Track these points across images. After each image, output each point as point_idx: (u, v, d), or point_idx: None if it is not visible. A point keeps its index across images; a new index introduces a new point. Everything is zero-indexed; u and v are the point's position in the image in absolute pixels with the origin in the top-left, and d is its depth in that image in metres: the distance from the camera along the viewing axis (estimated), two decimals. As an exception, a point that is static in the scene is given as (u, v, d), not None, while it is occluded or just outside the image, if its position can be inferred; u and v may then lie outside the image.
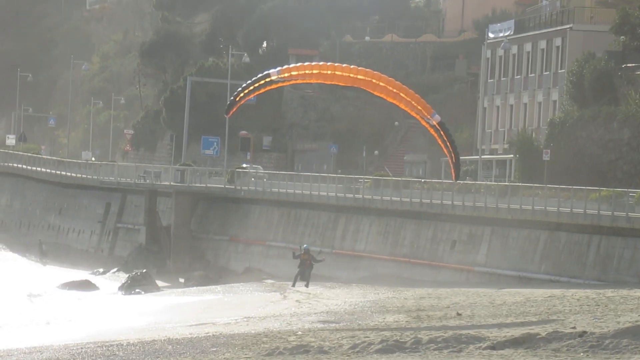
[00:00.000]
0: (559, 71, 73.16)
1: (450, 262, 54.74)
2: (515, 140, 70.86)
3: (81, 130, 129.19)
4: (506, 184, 57.83)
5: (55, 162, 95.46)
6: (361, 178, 64.96)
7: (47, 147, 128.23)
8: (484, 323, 30.85)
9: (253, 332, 31.46)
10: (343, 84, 34.56)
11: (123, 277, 65.27)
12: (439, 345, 25.47)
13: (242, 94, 34.28)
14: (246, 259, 69.83)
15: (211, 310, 42.95)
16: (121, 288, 59.82)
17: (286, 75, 32.99)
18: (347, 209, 62.50)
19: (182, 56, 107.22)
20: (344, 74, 33.20)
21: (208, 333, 31.92)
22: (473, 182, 58.76)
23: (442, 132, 33.84)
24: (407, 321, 32.63)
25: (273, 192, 68.71)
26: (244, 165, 79.50)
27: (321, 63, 34.35)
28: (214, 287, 56.98)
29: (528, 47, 76.66)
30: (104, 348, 28.92)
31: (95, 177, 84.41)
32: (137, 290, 58.48)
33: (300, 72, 32.57)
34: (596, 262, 47.41)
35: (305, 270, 46.18)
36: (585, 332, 25.93)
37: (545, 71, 74.94)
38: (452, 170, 35.08)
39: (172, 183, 75.71)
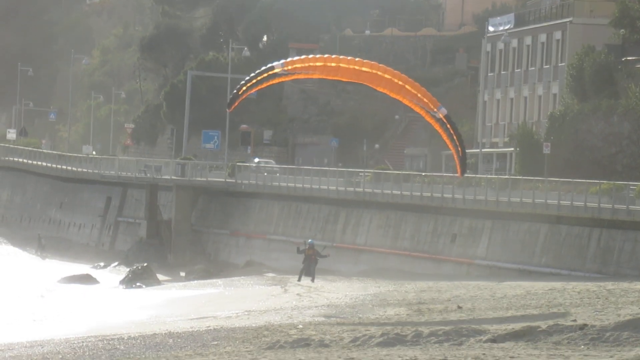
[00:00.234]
0: (559, 65, 73.13)
1: (451, 256, 54.78)
2: (515, 133, 70.87)
3: (82, 125, 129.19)
4: (507, 177, 57.86)
5: (56, 156, 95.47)
6: (362, 172, 64.98)
7: (48, 141, 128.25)
8: (484, 316, 30.89)
9: (254, 325, 31.50)
10: (346, 80, 33.80)
11: (124, 271, 65.31)
12: (440, 338, 25.51)
13: (244, 87, 33.26)
14: (247, 253, 69.86)
15: (212, 303, 43.00)
16: (122, 282, 59.86)
17: (290, 67, 31.89)
18: (347, 203, 62.52)
19: (183, 50, 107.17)
20: (349, 66, 32.33)
21: (209, 326, 31.96)
22: (473, 176, 58.78)
23: (448, 126, 33.13)
24: (407, 314, 32.67)
25: (274, 186, 68.73)
26: (256, 160, 79.22)
27: (326, 55, 33.52)
28: (214, 280, 57.04)
29: (528, 40, 76.63)
30: (105, 342, 28.96)
31: (96, 171, 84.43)
32: (138, 284, 58.52)
33: (305, 65, 32.00)
34: (597, 255, 47.44)
35: (310, 265, 46.07)
36: (585, 324, 25.97)
37: (546, 65, 74.92)
38: (458, 165, 34.17)
39: (172, 177, 75.73)
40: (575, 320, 27.62)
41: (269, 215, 69.15)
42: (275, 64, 32.31)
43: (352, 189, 62.42)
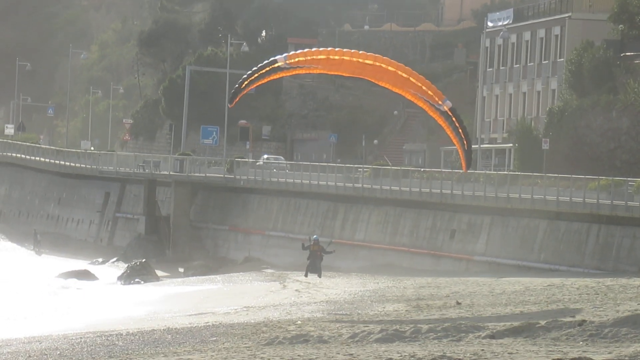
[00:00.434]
0: (558, 60, 73.08)
1: (450, 252, 54.76)
2: (514, 129, 70.83)
3: (80, 120, 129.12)
4: (505, 173, 57.82)
5: (54, 151, 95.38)
6: (360, 167, 64.96)
7: (46, 136, 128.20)
8: (483, 312, 30.86)
9: (253, 321, 31.47)
10: (349, 74, 33.08)
11: (122, 266, 65.26)
12: (439, 334, 25.49)
13: (247, 82, 31.68)
14: (246, 249, 69.84)
15: (210, 299, 42.97)
16: (120, 278, 59.82)
17: (294, 61, 31.00)
18: (346, 199, 62.48)
19: (181, 45, 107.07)
20: (353, 59, 31.64)
21: (207, 322, 31.94)
22: (472, 172, 58.75)
23: (453, 119, 32.30)
24: (406, 310, 32.65)
25: (272, 181, 68.69)
26: (265, 156, 78.94)
27: (329, 48, 32.75)
28: (213, 276, 57.00)
29: (527, 35, 76.58)
30: (103, 338, 28.94)
31: (94, 166, 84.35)
32: (136, 280, 58.48)
33: (308, 58, 31.15)
34: (595, 251, 47.43)
35: (316, 261, 45.87)
36: (584, 320, 25.95)
37: (544, 60, 74.86)
38: (463, 160, 33.23)
39: (171, 172, 75.68)
40: (574, 316, 27.59)
41: (268, 211, 69.12)
42: (277, 57, 31.51)
43: (350, 184, 62.37)
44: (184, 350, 25.04)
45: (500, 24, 78.48)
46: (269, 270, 58.59)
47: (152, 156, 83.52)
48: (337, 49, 32.55)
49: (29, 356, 25.83)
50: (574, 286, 38.18)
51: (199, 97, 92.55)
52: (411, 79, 32.32)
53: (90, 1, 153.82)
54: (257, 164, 73.32)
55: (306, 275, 46.29)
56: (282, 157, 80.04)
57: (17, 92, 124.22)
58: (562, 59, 71.66)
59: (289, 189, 67.07)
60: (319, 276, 45.87)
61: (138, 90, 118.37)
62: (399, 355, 22.44)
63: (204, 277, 57.75)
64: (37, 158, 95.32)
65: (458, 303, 33.91)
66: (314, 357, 22.52)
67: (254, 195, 70.79)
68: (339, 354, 23.04)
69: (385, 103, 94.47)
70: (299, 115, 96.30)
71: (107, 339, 28.47)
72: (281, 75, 32.47)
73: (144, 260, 63.23)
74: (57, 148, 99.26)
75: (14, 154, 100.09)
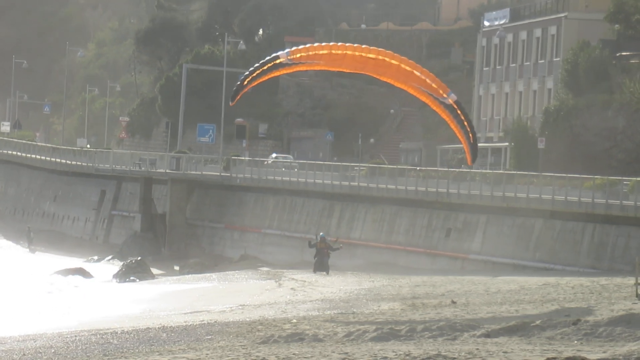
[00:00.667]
0: (554, 59, 73.13)
1: (446, 250, 54.78)
2: (510, 128, 70.87)
3: (76, 118, 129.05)
4: (501, 172, 57.86)
5: (50, 149, 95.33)
6: (357, 166, 64.96)
7: (42, 134, 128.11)
8: (478, 311, 30.89)
9: (248, 320, 31.48)
10: (351, 70, 32.51)
11: (118, 264, 65.23)
12: (434, 332, 25.52)
13: (249, 79, 30.86)
14: (241, 247, 69.84)
15: (206, 297, 42.96)
16: (116, 276, 59.78)
17: (296, 56, 30.28)
18: (342, 197, 62.50)
19: (178, 43, 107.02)
20: (356, 53, 31.05)
21: (203, 321, 31.93)
22: (468, 170, 58.80)
23: (458, 112, 31.73)
24: (402, 309, 32.66)
25: (268, 179, 68.68)
26: (274, 155, 78.63)
27: (331, 43, 32.23)
28: (209, 274, 56.98)
29: (523, 35, 76.62)
30: (98, 336, 28.93)
31: (90, 164, 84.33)
32: (131, 278, 58.45)
33: (310, 53, 30.42)
34: (590, 250, 47.48)
35: (323, 258, 45.72)
36: (579, 320, 25.99)
37: (541, 59, 74.91)
38: (468, 152, 32.33)
39: (167, 170, 75.66)
40: (568, 315, 27.63)
41: (264, 209, 69.13)
42: (280, 53, 30.85)
43: (347, 183, 62.40)
44: (179, 349, 25.04)
45: (496, 23, 78.52)
46: (265, 269, 58.60)
47: (148, 154, 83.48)
48: (339, 44, 31.99)
49: (24, 354, 25.82)
50: (569, 285, 38.23)
51: (195, 95, 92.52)
52: (415, 72, 31.75)
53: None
54: (266, 162, 72.85)
55: (315, 273, 46.13)
56: (291, 157, 79.55)
57: (14, 89, 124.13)
58: (559, 59, 71.71)
59: (285, 187, 67.08)
60: (327, 273, 45.74)
61: (135, 88, 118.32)
62: (394, 354, 22.46)
63: (199, 275, 57.74)
64: (33, 155, 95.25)
65: (453, 302, 33.94)
66: (309, 355, 22.54)
67: (250, 194, 70.78)
68: (334, 352, 23.05)
69: (382, 101, 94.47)
70: (296, 113, 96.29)
71: (102, 337, 28.46)
72: (283, 71, 31.80)
73: (139, 258, 63.21)
74: (53, 145, 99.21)
75: (10, 152, 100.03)
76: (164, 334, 28.48)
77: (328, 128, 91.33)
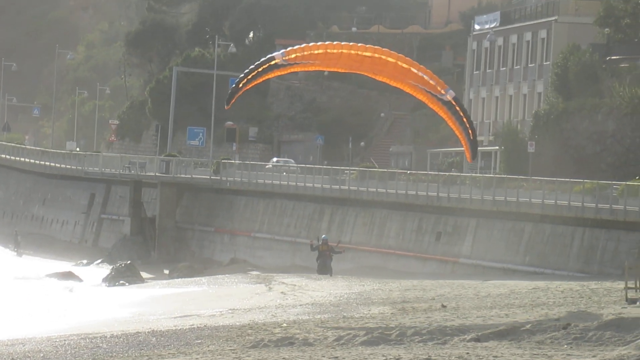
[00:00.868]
0: (544, 63, 73.23)
1: (436, 254, 54.79)
2: (500, 132, 70.93)
3: (65, 120, 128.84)
4: (491, 175, 57.90)
5: (39, 152, 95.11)
6: (347, 169, 64.92)
7: (31, 137, 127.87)
8: (468, 315, 30.87)
9: (238, 324, 31.41)
10: (347, 70, 32.02)
11: (107, 268, 65.07)
12: (424, 337, 25.49)
13: (244, 81, 30.24)
14: (231, 250, 69.76)
15: (196, 301, 42.88)
16: (105, 279, 59.64)
17: (291, 57, 29.75)
18: (332, 201, 62.47)
19: (168, 46, 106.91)
20: (352, 52, 30.59)
21: (192, 325, 31.85)
22: (458, 174, 58.81)
23: (457, 108, 31.11)
24: (392, 313, 32.63)
25: (258, 183, 68.63)
26: (275, 159, 78.15)
27: (327, 42, 31.82)
28: (198, 278, 56.86)
29: (514, 38, 76.72)
30: (87, 340, 28.83)
31: (80, 167, 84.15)
32: (121, 281, 58.31)
33: (306, 53, 29.96)
34: (580, 254, 47.52)
35: (326, 261, 45.35)
36: (569, 324, 25.99)
37: (531, 63, 75.01)
38: (467, 149, 31.07)
39: (157, 174, 75.53)
40: (558, 320, 27.63)
41: (254, 213, 69.06)
42: (275, 54, 30.34)
43: (337, 186, 62.36)
44: (169, 353, 24.98)
45: (487, 26, 78.63)
46: (255, 272, 58.51)
47: (138, 157, 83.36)
48: (335, 43, 31.56)
49: (12, 359, 25.71)
50: (558, 289, 38.24)
51: (185, 98, 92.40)
52: (412, 69, 30.82)
53: (77, 2, 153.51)
54: (267, 167, 72.38)
55: (318, 275, 45.79)
56: (292, 160, 78.99)
57: (3, 92, 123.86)
58: (549, 62, 71.82)
59: (275, 190, 67.02)
60: (330, 276, 45.45)
61: (124, 91, 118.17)
62: (384, 358, 22.44)
63: (189, 279, 57.61)
64: (22, 159, 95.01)
65: (443, 306, 33.92)
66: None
67: (240, 197, 70.71)
68: (324, 356, 23.02)
69: (372, 105, 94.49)
70: (286, 116, 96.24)
71: (91, 342, 28.37)
72: (279, 73, 31.20)
73: (129, 261, 63.06)
74: (42, 149, 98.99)
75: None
76: (154, 338, 28.39)
77: (318, 131, 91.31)
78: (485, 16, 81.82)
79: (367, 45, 31.64)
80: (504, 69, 77.52)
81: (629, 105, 61.68)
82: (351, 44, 31.75)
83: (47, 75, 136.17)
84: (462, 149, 76.80)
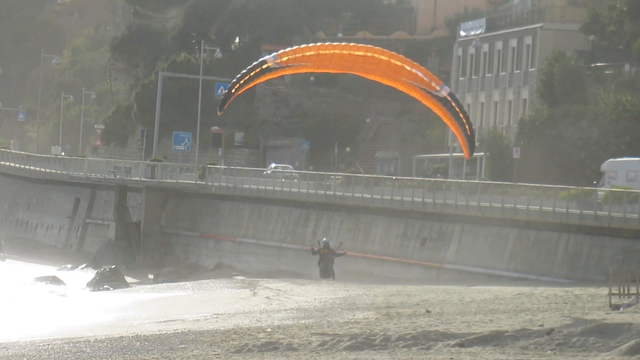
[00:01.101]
0: (530, 70, 73.44)
1: (421, 260, 54.84)
2: (485, 138, 71.09)
3: (51, 125, 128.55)
4: (476, 181, 58.01)
5: (24, 156, 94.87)
6: (332, 175, 64.93)
7: (16, 141, 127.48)
8: (453, 320, 30.90)
9: (222, 328, 31.38)
10: (339, 70, 31.69)
11: (92, 273, 64.92)
12: (408, 342, 25.51)
13: (237, 86, 29.88)
14: (216, 255, 69.68)
15: (180, 306, 42.81)
16: (89, 284, 59.50)
17: (283, 59, 29.45)
18: (318, 206, 62.48)
19: (154, 51, 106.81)
20: (344, 52, 30.27)
21: (177, 330, 31.81)
22: (443, 180, 58.91)
23: (453, 104, 30.61)
24: (376, 318, 32.64)
25: (244, 188, 68.58)
26: (273, 165, 77.73)
27: (319, 44, 31.55)
28: (183, 283, 56.78)
29: (499, 45, 76.93)
30: (71, 344, 28.76)
31: (65, 172, 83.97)
32: (105, 286, 58.17)
33: (297, 55, 29.56)
34: (564, 260, 47.64)
35: (328, 264, 44.96)
36: (553, 329, 26.04)
37: (516, 70, 75.22)
38: (465, 145, 30.34)
39: (142, 179, 75.43)
40: (542, 325, 27.68)
41: (239, 218, 69.01)
42: (267, 58, 30.07)
43: (322, 192, 62.38)
44: (153, 358, 24.93)
45: (472, 33, 78.82)
46: (240, 277, 58.45)
47: (123, 162, 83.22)
48: (327, 44, 31.26)
49: (-4, 363, 25.63)
50: (543, 295, 38.32)
51: (171, 103, 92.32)
52: (405, 66, 30.31)
53: (63, 6, 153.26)
54: (265, 172, 71.76)
55: (321, 279, 45.46)
56: (290, 166, 78.59)
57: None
58: (534, 69, 72.03)
59: (260, 195, 67.00)
60: (333, 279, 45.11)
61: (110, 96, 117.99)
62: (368, 363, 22.42)
63: (174, 283, 57.52)
64: (7, 163, 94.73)
65: (428, 311, 33.95)
66: (283, 364, 22.48)
67: (225, 202, 70.65)
68: (307, 361, 23.00)
69: (358, 110, 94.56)
70: (272, 122, 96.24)
71: (75, 346, 28.30)
72: (271, 76, 30.88)
73: (113, 266, 62.92)
74: (27, 153, 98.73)
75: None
76: (138, 343, 28.34)
77: (304, 137, 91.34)
78: (470, 22, 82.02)
79: (359, 45, 31.29)
80: (490, 75, 77.71)
81: (613, 112, 61.91)
82: (343, 44, 31.41)
83: (32, 79, 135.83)
84: (447, 155, 77.02)
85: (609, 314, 30.75)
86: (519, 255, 49.87)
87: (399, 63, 30.34)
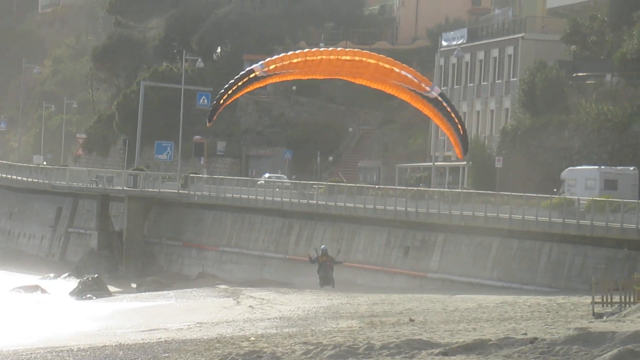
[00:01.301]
0: (511, 79, 73.70)
1: (404, 268, 54.89)
2: (468, 147, 71.12)
3: (33, 134, 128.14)
4: (459, 191, 58.14)
5: (6, 166, 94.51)
6: (315, 184, 64.94)
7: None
8: (436, 329, 30.95)
9: (205, 337, 31.33)
10: (327, 76, 31.60)
11: (74, 282, 64.72)
12: (392, 351, 25.53)
13: (225, 96, 30.16)
14: (199, 264, 69.57)
15: (163, 315, 42.71)
16: (72, 293, 59.31)
17: (271, 67, 29.04)
18: (301, 215, 62.48)
19: (136, 60, 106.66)
20: (331, 57, 30.15)
21: (160, 339, 31.74)
22: (426, 189, 59.02)
23: (444, 104, 30.59)
24: (360, 327, 32.65)
25: (227, 197, 68.52)
26: (267, 175, 77.37)
27: (306, 50, 31.59)
28: (166, 292, 56.68)
29: (481, 55, 77.18)
30: (54, 354, 28.66)
31: (47, 181, 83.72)
32: (88, 295, 58.00)
33: (285, 63, 29.21)
34: (547, 269, 47.78)
35: (327, 271, 44.63)
36: (536, 338, 26.11)
37: (498, 79, 75.46)
38: (458, 145, 30.97)
39: (124, 188, 75.28)
40: (525, 334, 27.75)
41: (222, 227, 68.93)
42: (254, 66, 29.54)
43: (305, 201, 62.38)
44: (136, 367, 24.86)
45: (454, 43, 79.05)
46: (223, 286, 58.38)
47: (105, 171, 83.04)
48: (314, 49, 31.32)
49: (-21, 372, 25.52)
50: (526, 304, 38.42)
51: (153, 113, 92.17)
52: (395, 69, 29.90)
53: (44, 16, 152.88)
54: (258, 182, 71.25)
55: (321, 287, 45.19)
56: (284, 176, 78.19)
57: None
58: (516, 79, 72.28)
59: (243, 204, 66.95)
60: (333, 287, 44.84)
61: (92, 105, 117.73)
62: (352, 371, 22.42)
63: (157, 292, 57.41)
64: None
65: (411, 320, 33.98)
66: (267, 373, 22.45)
67: (208, 211, 70.57)
68: (292, 370, 22.99)
69: (340, 120, 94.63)
70: (254, 131, 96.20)
71: (58, 355, 28.21)
72: (259, 84, 30.63)
73: (96, 275, 62.76)
74: (9, 162, 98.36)
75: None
76: (121, 352, 28.27)
77: (286, 146, 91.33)
78: (452, 33, 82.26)
79: (347, 49, 31.22)
80: (471, 85, 77.95)
81: (595, 122, 62.19)
82: (330, 49, 31.36)
83: (14, 89, 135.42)
84: (430, 164, 77.01)
85: (592, 322, 30.86)
86: (502, 264, 49.98)
87: (387, 66, 30.16)
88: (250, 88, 29.78)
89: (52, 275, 72.77)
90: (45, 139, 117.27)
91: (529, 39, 73.31)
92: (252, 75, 29.74)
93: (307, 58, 29.97)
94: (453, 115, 29.52)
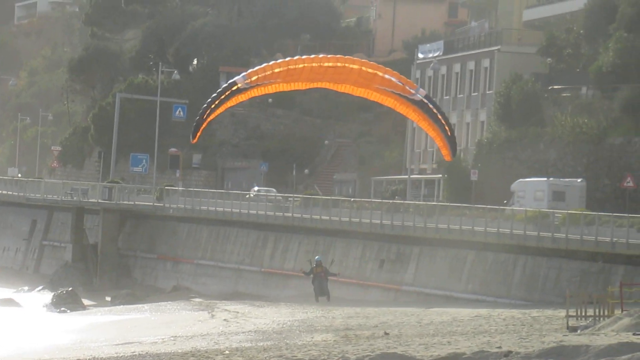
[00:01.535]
0: (487, 92, 73.92)
1: (379, 281, 54.85)
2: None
3: (7, 146, 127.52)
4: (434, 203, 58.19)
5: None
6: (291, 197, 64.86)
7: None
8: (411, 342, 30.89)
9: (180, 351, 31.16)
10: (310, 84, 31.24)
11: (48, 295, 64.34)
12: (366, 364, 25.44)
13: (208, 111, 30.62)
14: (174, 277, 69.32)
15: (138, 328, 42.48)
16: (46, 306, 58.95)
17: (253, 79, 28.45)
18: (276, 228, 62.38)
19: (111, 72, 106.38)
20: (314, 64, 29.83)
21: (134, 352, 31.55)
22: (402, 202, 59.04)
23: (430, 106, 30.28)
24: (335, 340, 32.57)
25: (202, 210, 68.36)
26: (256, 188, 77.00)
27: (287, 59, 31.27)
28: (141, 305, 56.41)
29: (457, 67, 77.39)
30: (27, 368, 28.43)
31: (21, 193, 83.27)
32: (62, 308, 57.66)
33: (267, 73, 28.74)
34: (522, 282, 47.84)
35: (322, 282, 44.14)
36: (510, 351, 26.11)
37: (474, 92, 75.68)
38: (446, 147, 30.67)
39: (99, 200, 74.98)
40: (500, 347, 27.74)
41: (197, 240, 68.73)
42: (236, 78, 28.93)
43: (281, 213, 62.27)
44: (109, 381, 24.68)
45: (430, 55, 79.23)
46: (198, 300, 58.17)
47: (80, 184, 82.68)
48: (295, 58, 30.98)
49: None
50: (500, 317, 38.43)
51: (129, 125, 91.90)
52: (378, 73, 30.20)
53: (19, 27, 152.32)
54: (247, 196, 70.81)
55: (317, 300, 44.66)
56: (274, 189, 77.84)
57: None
58: (491, 91, 72.50)
59: (218, 217, 66.78)
60: (328, 299, 44.34)
61: (67, 117, 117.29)
62: (326, 385, 22.32)
63: (131, 306, 57.13)
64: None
65: (386, 333, 33.93)
66: (241, 387, 22.32)
67: (183, 224, 70.36)
68: (266, 384, 22.86)
69: (316, 132, 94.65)
70: (230, 143, 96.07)
71: (31, 369, 27.96)
72: (242, 97, 30.22)
73: (70, 288, 62.42)
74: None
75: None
76: (94, 366, 28.05)
77: (262, 158, 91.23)
78: (428, 45, 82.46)
79: (329, 56, 30.73)
80: (447, 97, 78.13)
81: (570, 135, 62.43)
82: (312, 56, 30.99)
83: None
84: (405, 177, 76.92)
85: (567, 335, 30.88)
86: (477, 277, 50.02)
87: (370, 70, 29.75)
88: (233, 101, 29.24)
89: (26, 288, 72.32)
90: (20, 151, 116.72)
91: (505, 52, 73.57)
92: (234, 88, 29.28)
93: (290, 67, 29.52)
94: (440, 117, 29.11)
